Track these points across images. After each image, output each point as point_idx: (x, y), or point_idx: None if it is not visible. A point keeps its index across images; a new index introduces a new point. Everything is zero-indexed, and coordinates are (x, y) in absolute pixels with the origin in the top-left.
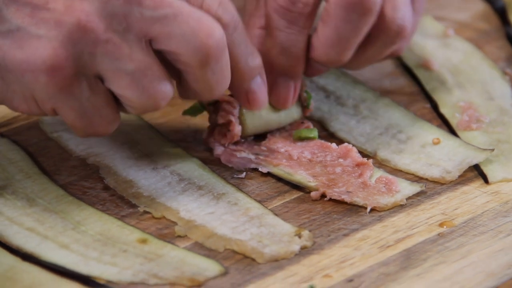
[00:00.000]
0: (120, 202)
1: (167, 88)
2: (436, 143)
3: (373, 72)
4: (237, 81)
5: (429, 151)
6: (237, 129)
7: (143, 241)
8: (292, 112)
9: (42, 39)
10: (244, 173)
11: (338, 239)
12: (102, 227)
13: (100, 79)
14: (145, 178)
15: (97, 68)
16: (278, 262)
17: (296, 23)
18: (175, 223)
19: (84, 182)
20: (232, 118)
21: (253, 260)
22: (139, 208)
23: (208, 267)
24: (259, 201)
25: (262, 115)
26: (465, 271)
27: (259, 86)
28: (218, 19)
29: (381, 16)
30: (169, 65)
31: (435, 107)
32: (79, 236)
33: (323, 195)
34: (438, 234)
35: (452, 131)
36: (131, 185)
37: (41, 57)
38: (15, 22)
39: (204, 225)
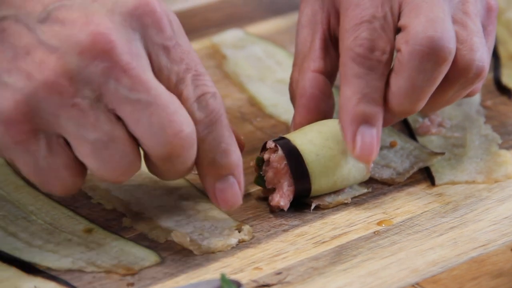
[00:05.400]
0: (78, 194)
1: (130, 164)
2: (393, 145)
3: None
4: (205, 176)
5: (384, 153)
6: (282, 201)
7: (89, 231)
8: (360, 172)
9: (8, 88)
10: None
11: (277, 234)
12: (52, 216)
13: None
14: None
15: (59, 130)
16: (214, 254)
17: (375, 70)
18: (125, 215)
19: None
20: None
21: (191, 251)
22: (92, 200)
23: (145, 257)
24: None
25: (329, 176)
26: (391, 267)
27: (230, 186)
28: (191, 114)
29: (458, 59)
30: None
31: None
32: (28, 225)
33: None
34: (374, 232)
35: (412, 135)
36: (90, 179)
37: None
38: None
39: (151, 217)
